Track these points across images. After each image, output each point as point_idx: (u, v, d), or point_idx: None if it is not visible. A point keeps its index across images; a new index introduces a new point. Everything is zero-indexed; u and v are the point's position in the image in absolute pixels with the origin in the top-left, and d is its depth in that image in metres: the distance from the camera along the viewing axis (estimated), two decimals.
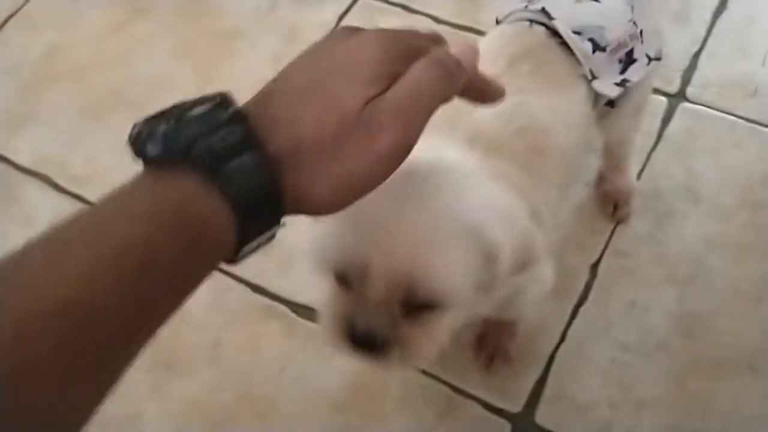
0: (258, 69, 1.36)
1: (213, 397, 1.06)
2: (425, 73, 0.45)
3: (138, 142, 0.41)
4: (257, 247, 0.44)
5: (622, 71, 0.85)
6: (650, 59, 0.86)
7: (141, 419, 1.05)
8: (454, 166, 0.59)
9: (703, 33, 1.34)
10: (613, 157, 1.11)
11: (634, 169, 1.16)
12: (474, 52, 0.49)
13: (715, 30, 1.35)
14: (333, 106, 0.43)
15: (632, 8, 0.84)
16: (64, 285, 0.35)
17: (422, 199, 0.56)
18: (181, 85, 1.32)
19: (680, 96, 1.27)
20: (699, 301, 1.08)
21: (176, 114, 0.42)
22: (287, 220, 0.44)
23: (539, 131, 0.76)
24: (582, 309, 1.08)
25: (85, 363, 0.35)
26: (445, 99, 0.47)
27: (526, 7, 0.84)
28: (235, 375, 1.07)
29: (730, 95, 1.26)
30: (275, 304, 1.12)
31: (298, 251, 0.63)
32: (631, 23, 0.84)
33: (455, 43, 0.49)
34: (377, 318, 0.60)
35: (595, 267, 1.12)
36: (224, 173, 0.40)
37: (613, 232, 1.15)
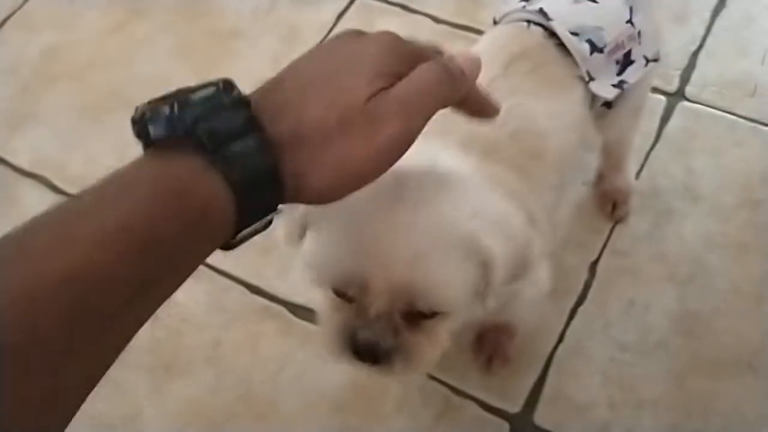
0: (257, 69, 1.37)
1: (212, 397, 1.06)
2: (430, 74, 0.47)
3: (141, 124, 0.42)
4: (254, 232, 0.44)
5: (620, 73, 0.84)
6: (648, 61, 0.86)
7: (140, 419, 1.05)
8: (448, 172, 0.59)
9: (702, 32, 1.34)
10: (611, 157, 1.11)
11: (632, 168, 1.16)
12: (477, 64, 0.50)
13: (714, 29, 1.34)
14: (338, 95, 0.44)
15: (630, 9, 0.84)
16: (71, 256, 0.36)
17: (418, 209, 0.56)
18: (180, 85, 1.29)
19: (679, 95, 1.27)
20: (699, 301, 1.08)
21: (180, 97, 0.42)
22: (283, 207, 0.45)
23: (535, 134, 0.76)
24: (581, 308, 1.08)
25: (89, 332, 0.36)
26: (446, 102, 0.48)
27: (524, 7, 0.84)
28: (235, 375, 1.07)
29: (729, 94, 1.26)
30: (273, 304, 1.12)
31: (295, 252, 0.63)
32: (629, 24, 0.84)
33: (460, 52, 0.50)
34: (379, 329, 0.60)
35: (594, 266, 1.12)
36: (226, 155, 0.41)
37: (612, 231, 1.15)
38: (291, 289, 1.12)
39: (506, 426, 1.00)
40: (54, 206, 0.38)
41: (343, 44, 0.48)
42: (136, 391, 1.06)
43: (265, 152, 0.42)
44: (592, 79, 0.82)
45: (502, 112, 0.73)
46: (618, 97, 0.85)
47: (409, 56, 0.47)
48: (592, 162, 1.15)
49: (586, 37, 0.81)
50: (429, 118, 0.46)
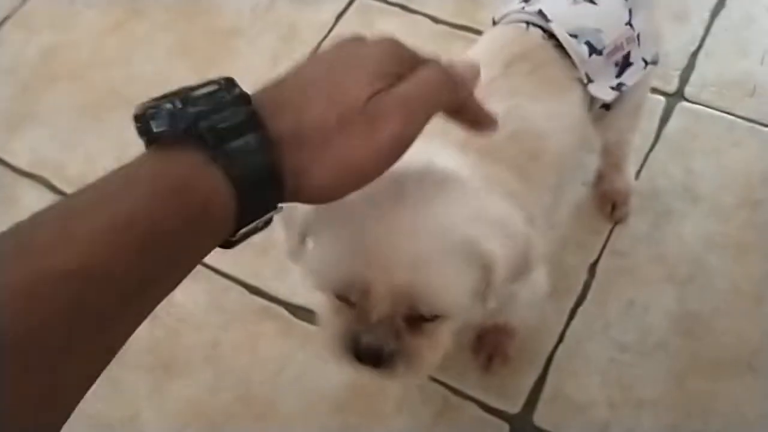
0: (257, 67, 1.37)
1: (212, 397, 1.06)
2: (431, 76, 0.48)
3: (143, 120, 0.42)
4: (254, 230, 0.45)
5: (618, 75, 0.84)
6: (647, 63, 0.86)
7: (139, 419, 1.05)
8: (447, 173, 0.59)
9: (701, 32, 1.34)
10: (610, 158, 1.11)
11: (632, 169, 1.16)
12: (475, 71, 0.51)
13: (714, 29, 1.34)
14: (338, 94, 0.45)
15: (630, 11, 0.84)
16: (71, 252, 0.36)
17: (418, 213, 0.56)
18: (180, 83, 1.28)
19: (678, 95, 1.27)
20: (698, 301, 1.08)
21: (182, 94, 0.43)
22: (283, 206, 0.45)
23: (534, 135, 0.76)
24: (580, 309, 1.08)
25: (88, 329, 0.36)
26: (445, 104, 0.49)
27: (523, 8, 0.84)
28: (234, 375, 1.07)
29: (728, 94, 1.26)
30: (272, 305, 1.12)
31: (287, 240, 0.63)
32: (629, 27, 0.84)
33: (460, 60, 0.51)
34: (381, 333, 0.60)
35: (593, 267, 1.12)
36: (227, 151, 0.41)
37: (611, 231, 1.15)
38: (290, 289, 1.12)
39: (506, 426, 1.00)
40: (54, 203, 0.38)
41: (343, 48, 0.49)
42: (134, 392, 1.06)
43: (266, 150, 0.42)
44: (590, 81, 0.82)
45: (501, 113, 0.73)
46: (617, 99, 0.85)
47: (409, 60, 0.48)
48: (592, 163, 1.15)
49: (585, 39, 0.81)
50: (428, 119, 0.47)
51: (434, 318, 0.61)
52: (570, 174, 0.90)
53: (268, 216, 0.45)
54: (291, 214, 0.59)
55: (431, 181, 0.57)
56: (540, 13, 0.82)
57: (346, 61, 0.47)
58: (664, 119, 1.24)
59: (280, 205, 0.45)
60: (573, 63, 0.81)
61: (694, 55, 1.31)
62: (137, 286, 0.38)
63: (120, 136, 1.25)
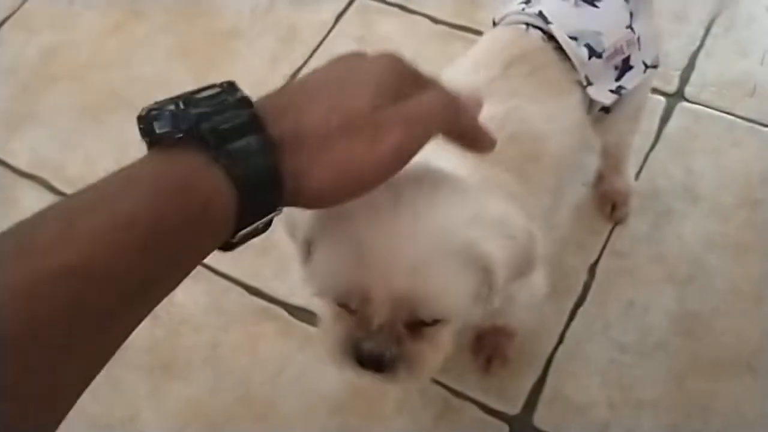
0: (256, 69, 1.37)
1: (211, 398, 1.06)
2: (435, 100, 0.49)
3: (146, 121, 0.42)
4: (254, 233, 0.45)
5: (618, 78, 0.84)
6: (647, 66, 0.86)
7: (139, 420, 1.05)
8: (445, 175, 0.58)
9: (701, 32, 1.34)
10: (610, 159, 1.11)
11: (632, 169, 1.16)
12: (478, 102, 0.53)
13: (714, 29, 1.34)
14: (342, 101, 0.46)
15: (631, 14, 0.84)
16: (72, 251, 0.36)
17: (416, 218, 0.55)
18: (179, 85, 1.27)
19: (678, 95, 1.27)
20: (698, 301, 1.08)
21: (184, 97, 0.43)
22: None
23: (532, 137, 0.76)
24: (580, 310, 1.08)
25: (87, 328, 0.36)
26: (447, 127, 0.50)
27: (524, 9, 0.84)
28: (234, 376, 1.07)
29: (728, 94, 1.26)
30: (272, 306, 1.12)
31: (293, 254, 0.63)
32: (629, 30, 0.83)
33: (464, 87, 0.53)
34: (382, 339, 0.60)
35: (593, 267, 1.12)
36: (228, 152, 0.41)
37: (611, 232, 1.14)
38: (290, 290, 1.12)
39: (506, 427, 1.00)
40: (55, 203, 0.39)
41: (344, 62, 0.49)
42: (134, 392, 1.06)
43: (267, 151, 0.42)
44: (590, 83, 0.82)
45: (500, 115, 0.74)
46: (617, 102, 0.85)
47: (410, 77, 0.49)
48: (592, 163, 1.15)
49: (585, 42, 0.81)
50: (428, 139, 0.48)
51: (434, 322, 0.61)
52: (569, 175, 0.90)
53: (267, 218, 0.45)
54: (295, 223, 0.59)
55: (429, 183, 0.57)
56: (540, 14, 0.82)
57: (349, 74, 0.48)
58: (664, 119, 1.24)
59: (279, 208, 0.45)
60: (573, 65, 0.81)
61: (694, 55, 1.31)
62: (138, 286, 0.38)
63: (120, 138, 1.25)
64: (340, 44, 1.39)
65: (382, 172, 0.46)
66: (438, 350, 0.63)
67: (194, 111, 0.42)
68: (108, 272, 0.37)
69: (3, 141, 1.34)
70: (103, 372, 0.38)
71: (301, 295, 1.10)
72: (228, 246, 0.44)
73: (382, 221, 0.54)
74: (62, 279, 0.35)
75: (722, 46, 1.32)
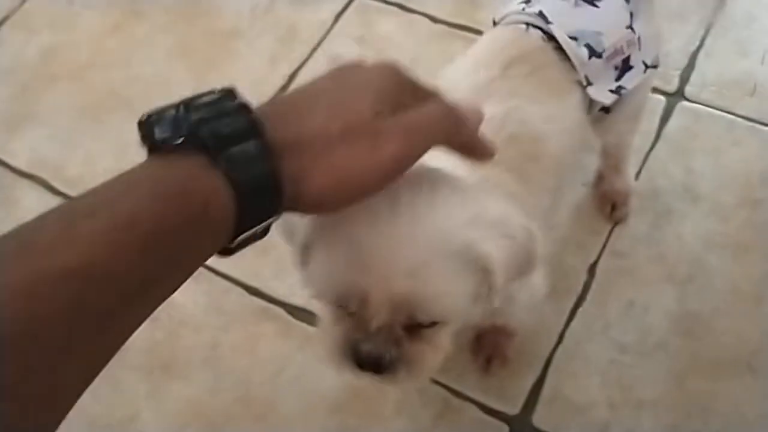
0: (256, 68, 1.37)
1: (211, 398, 1.05)
2: (436, 112, 0.50)
3: (146, 126, 0.43)
4: (253, 238, 0.45)
5: (618, 78, 0.84)
6: (647, 67, 0.86)
7: (139, 420, 1.05)
8: (442, 176, 0.58)
9: (701, 31, 1.34)
10: (610, 159, 1.11)
11: (632, 169, 1.16)
12: (479, 115, 0.53)
13: (714, 28, 1.34)
14: (342, 108, 0.46)
15: (631, 14, 0.84)
16: (72, 253, 0.36)
17: (414, 220, 0.55)
18: (179, 85, 1.32)
19: (679, 95, 1.27)
20: (698, 301, 1.08)
21: (184, 102, 0.44)
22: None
23: (532, 137, 0.76)
24: (580, 310, 1.08)
25: (87, 329, 0.36)
26: (447, 139, 0.51)
27: (524, 9, 0.84)
28: (233, 376, 1.07)
29: (728, 94, 1.26)
30: (271, 306, 1.12)
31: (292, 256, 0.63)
32: (629, 30, 0.83)
33: (465, 101, 0.53)
34: (381, 342, 0.60)
35: (593, 267, 1.11)
36: (228, 156, 0.42)
37: (611, 232, 1.14)
38: (289, 290, 1.12)
39: (505, 428, 1.00)
40: (56, 206, 0.39)
41: (345, 71, 0.50)
42: (134, 392, 1.06)
43: (266, 156, 0.43)
44: (590, 83, 0.82)
45: (499, 115, 0.74)
46: (617, 102, 0.85)
47: (409, 86, 0.50)
48: (592, 163, 1.15)
49: (585, 42, 0.81)
50: (429, 148, 0.49)
51: (433, 324, 0.61)
52: (569, 175, 0.90)
53: (266, 222, 0.45)
54: (293, 228, 0.59)
55: (427, 184, 0.56)
56: (540, 14, 0.82)
57: (347, 82, 0.48)
58: (665, 119, 1.24)
59: (279, 213, 0.45)
60: (573, 65, 0.81)
61: (695, 54, 1.31)
62: (138, 287, 0.38)
63: (120, 137, 1.25)
64: (340, 44, 1.39)
65: (381, 179, 0.47)
66: (437, 351, 0.63)
67: (194, 116, 0.42)
68: (108, 273, 0.37)
69: (3, 141, 1.34)
70: (102, 372, 0.38)
71: (301, 295, 1.09)
72: (227, 251, 0.44)
73: (380, 223, 0.54)
74: (62, 280, 0.35)
75: (722, 46, 1.32)
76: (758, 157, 1.20)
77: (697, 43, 1.32)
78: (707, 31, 1.34)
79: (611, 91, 0.84)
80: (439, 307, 0.58)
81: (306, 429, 1.03)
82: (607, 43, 0.81)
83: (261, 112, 0.44)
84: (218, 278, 1.13)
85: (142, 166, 0.42)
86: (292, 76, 1.35)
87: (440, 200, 0.56)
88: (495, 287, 0.59)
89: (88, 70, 1.42)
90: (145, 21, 1.47)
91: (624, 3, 0.85)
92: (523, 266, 0.62)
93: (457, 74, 0.82)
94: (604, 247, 1.13)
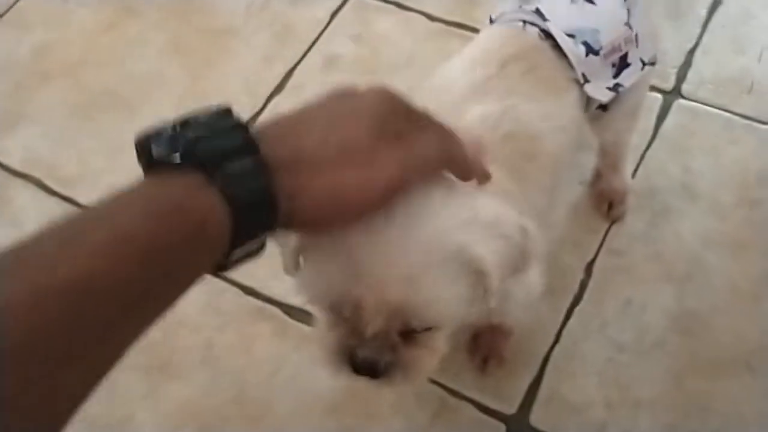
0: (251, 66, 1.36)
1: (207, 398, 1.05)
2: (435, 144, 0.52)
3: (144, 145, 0.44)
4: (248, 254, 0.46)
5: (615, 75, 0.84)
6: (644, 64, 0.86)
7: (135, 421, 1.04)
8: (436, 179, 0.58)
9: (698, 29, 1.34)
10: (608, 157, 1.11)
11: (629, 167, 1.16)
12: (479, 150, 0.56)
13: (711, 26, 1.34)
14: (340, 130, 0.48)
15: (628, 11, 0.84)
16: (73, 265, 0.37)
17: (407, 227, 0.54)
18: (173, 82, 1.31)
19: (675, 93, 1.26)
20: (696, 299, 1.08)
21: (181, 120, 0.45)
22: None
23: (528, 136, 0.76)
24: (577, 309, 1.08)
25: (87, 341, 0.37)
26: (441, 169, 0.54)
27: (521, 7, 0.83)
28: (229, 377, 1.06)
29: (725, 92, 1.26)
30: (267, 306, 1.11)
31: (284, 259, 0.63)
32: (627, 27, 0.83)
33: (466, 132, 0.55)
34: (376, 348, 0.60)
35: (590, 266, 1.11)
36: (224, 173, 0.43)
37: (608, 230, 1.14)
38: (286, 290, 1.11)
39: (502, 427, 0.99)
40: (56, 220, 0.39)
41: (340, 96, 0.51)
42: (130, 393, 1.05)
43: (261, 173, 0.44)
44: (587, 81, 0.82)
45: (496, 113, 0.74)
46: (614, 100, 0.85)
47: (403, 111, 0.51)
48: (589, 161, 1.14)
49: (582, 39, 0.81)
50: (423, 179, 0.52)
51: (429, 328, 0.61)
52: (566, 174, 0.90)
53: (261, 240, 0.46)
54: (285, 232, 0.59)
55: (420, 188, 0.55)
56: (537, 11, 0.81)
57: (342, 106, 0.50)
58: (661, 117, 1.24)
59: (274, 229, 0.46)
60: (570, 63, 0.81)
61: (691, 52, 1.31)
62: (136, 300, 0.39)
63: (113, 136, 1.24)
64: (336, 42, 1.38)
65: (374, 202, 0.49)
66: (433, 355, 0.63)
67: (191, 135, 0.44)
68: (107, 285, 0.38)
69: None
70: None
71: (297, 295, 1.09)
72: (223, 267, 0.46)
73: (373, 229, 0.53)
74: (62, 293, 0.36)
75: (719, 43, 1.32)
76: (756, 155, 1.20)
77: (694, 41, 1.32)
78: (704, 29, 1.34)
79: (609, 88, 0.83)
80: (434, 313, 0.58)
81: (302, 429, 1.02)
82: (604, 41, 0.81)
83: (257, 131, 0.46)
84: (214, 278, 1.12)
85: (139, 183, 0.43)
86: (288, 75, 1.34)
87: (433, 204, 0.55)
88: (490, 289, 0.58)
89: (82, 68, 1.41)
90: (139, 19, 1.46)
91: (621, 0, 0.84)
92: (518, 264, 0.62)
93: (453, 72, 0.81)
94: (601, 245, 1.13)
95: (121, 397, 1.05)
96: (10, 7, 1.51)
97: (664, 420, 0.99)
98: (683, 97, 1.26)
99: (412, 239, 0.55)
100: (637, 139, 1.14)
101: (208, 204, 0.42)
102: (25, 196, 1.25)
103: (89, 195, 1.20)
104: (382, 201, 0.49)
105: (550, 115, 0.79)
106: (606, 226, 1.14)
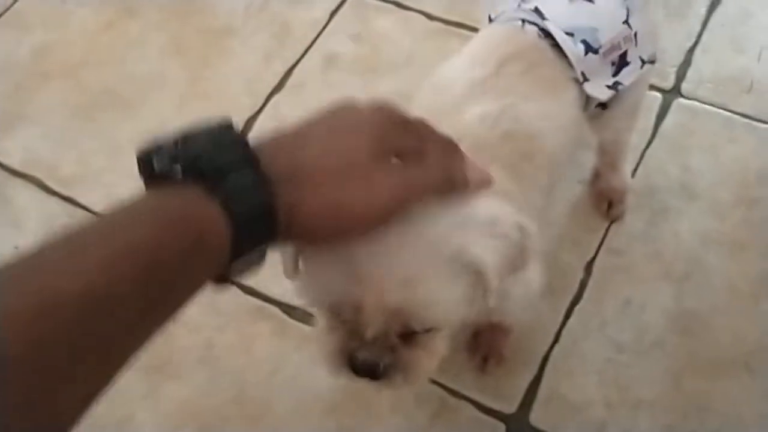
0: (250, 66, 1.36)
1: (206, 398, 1.05)
2: (436, 175, 0.52)
3: (146, 159, 0.44)
4: (249, 266, 0.47)
5: (615, 74, 0.84)
6: (644, 62, 0.86)
7: (134, 421, 1.04)
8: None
9: (697, 28, 1.34)
10: (607, 156, 1.11)
11: (628, 166, 1.15)
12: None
13: (710, 25, 1.34)
14: (340, 145, 0.48)
15: (628, 10, 0.83)
16: (75, 277, 0.37)
17: (404, 228, 0.54)
18: (174, 82, 1.31)
19: (675, 92, 1.26)
20: (695, 299, 1.08)
21: (182, 134, 0.45)
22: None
23: (526, 135, 0.76)
24: (577, 308, 1.08)
25: (90, 352, 0.38)
26: (440, 193, 0.54)
27: (519, 5, 0.83)
28: (229, 376, 1.06)
29: (725, 91, 1.26)
30: (267, 305, 1.11)
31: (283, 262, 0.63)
32: (626, 25, 0.83)
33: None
34: (376, 350, 0.61)
35: (590, 265, 1.11)
36: (224, 186, 0.43)
37: (607, 229, 1.14)
38: (285, 289, 1.11)
39: (502, 427, 0.99)
40: (60, 233, 0.40)
41: (340, 110, 0.51)
42: (129, 393, 1.05)
43: (261, 185, 0.44)
44: (586, 79, 0.81)
45: (494, 112, 0.73)
46: (613, 98, 0.85)
47: (402, 125, 0.51)
48: (588, 160, 1.14)
49: (581, 38, 0.81)
50: (421, 200, 0.51)
51: (428, 330, 0.61)
52: (565, 173, 0.90)
53: (262, 251, 0.47)
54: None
55: None
56: (536, 10, 0.81)
57: (342, 121, 0.50)
58: (661, 116, 1.24)
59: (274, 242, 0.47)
60: (569, 62, 0.81)
61: (691, 51, 1.31)
62: (139, 312, 0.40)
63: (113, 136, 1.24)
64: (335, 41, 1.38)
65: (373, 215, 0.49)
66: (433, 356, 0.64)
67: (192, 148, 0.44)
68: (110, 298, 0.38)
69: None
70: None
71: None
72: (224, 278, 0.46)
73: (372, 232, 0.53)
74: (65, 304, 0.36)
75: (719, 42, 1.32)
76: (755, 155, 1.20)
77: (694, 40, 1.32)
78: (703, 28, 1.34)
79: (608, 86, 0.83)
80: (434, 314, 0.59)
81: (302, 429, 1.02)
82: (603, 39, 0.81)
83: (258, 144, 0.46)
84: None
85: (141, 197, 0.44)
86: (287, 74, 1.34)
87: (431, 206, 0.55)
88: (490, 288, 0.58)
89: (82, 68, 1.41)
90: (139, 19, 1.46)
91: None
92: (517, 263, 0.62)
93: (453, 71, 0.81)
94: (600, 244, 1.13)
95: (121, 397, 1.04)
96: (9, 7, 1.51)
97: (663, 420, 0.99)
98: (683, 96, 1.26)
99: (410, 241, 0.55)
100: (636, 138, 1.14)
101: (209, 216, 0.43)
102: (25, 196, 1.25)
103: (89, 195, 1.20)
104: (380, 221, 0.49)
105: (549, 114, 0.79)
106: (605, 225, 1.14)
